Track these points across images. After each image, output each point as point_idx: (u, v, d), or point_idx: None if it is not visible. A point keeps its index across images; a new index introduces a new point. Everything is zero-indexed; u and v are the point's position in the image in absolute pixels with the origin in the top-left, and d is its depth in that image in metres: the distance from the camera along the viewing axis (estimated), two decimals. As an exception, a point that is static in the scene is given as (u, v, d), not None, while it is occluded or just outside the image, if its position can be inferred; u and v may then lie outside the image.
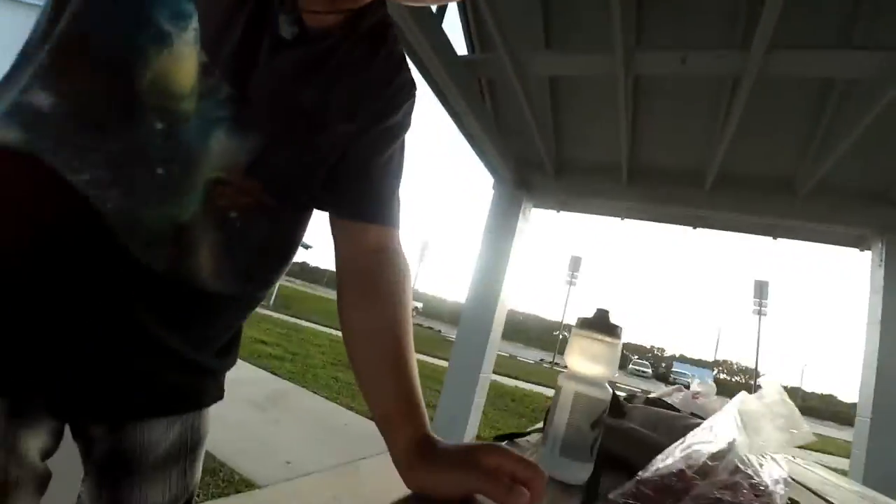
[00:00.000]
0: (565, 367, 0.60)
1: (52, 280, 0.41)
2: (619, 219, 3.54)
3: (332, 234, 0.56)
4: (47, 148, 0.40)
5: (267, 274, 0.55)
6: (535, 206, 3.45)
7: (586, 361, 0.57)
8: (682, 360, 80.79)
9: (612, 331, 0.58)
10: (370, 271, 0.54)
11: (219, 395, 0.59)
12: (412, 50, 1.99)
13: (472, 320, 3.18)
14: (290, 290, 30.72)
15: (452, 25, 3.23)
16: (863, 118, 1.96)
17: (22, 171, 0.40)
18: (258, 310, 0.77)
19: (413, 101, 0.61)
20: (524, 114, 2.66)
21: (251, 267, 0.52)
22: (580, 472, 0.55)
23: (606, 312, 0.59)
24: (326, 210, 0.58)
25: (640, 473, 0.51)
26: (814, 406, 55.29)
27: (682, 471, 0.48)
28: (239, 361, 0.61)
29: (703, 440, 0.56)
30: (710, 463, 0.52)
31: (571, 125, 2.94)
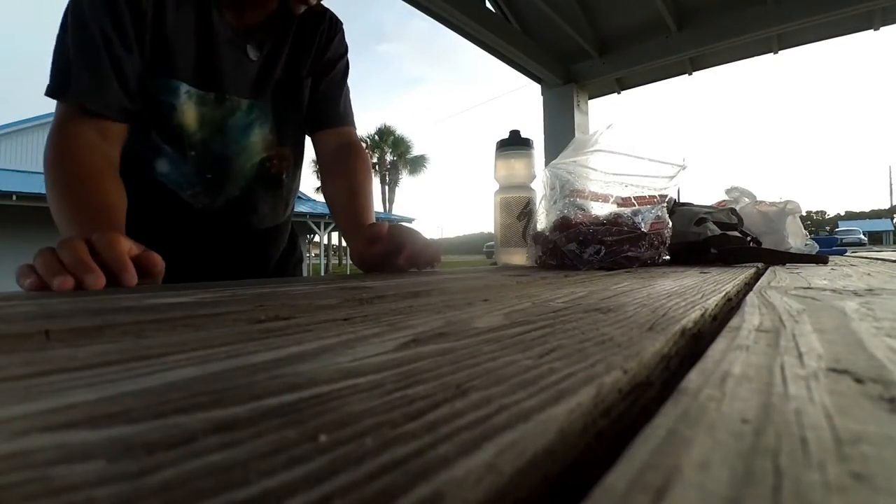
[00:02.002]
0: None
1: (190, 238, 0.73)
2: (686, 75, 3.30)
3: (312, 141, 0.84)
4: (169, 180, 0.70)
5: (292, 201, 0.87)
6: (591, 96, 3.40)
7: (507, 173, 0.81)
8: (851, 217, 68.04)
9: (524, 143, 0.81)
10: (338, 160, 0.81)
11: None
12: (424, 7, 2.19)
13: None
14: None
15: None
16: None
17: (165, 189, 0.71)
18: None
19: (341, 31, 0.83)
20: (543, 7, 2.66)
21: (289, 201, 0.85)
22: (516, 255, 0.80)
23: (517, 132, 0.82)
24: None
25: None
26: None
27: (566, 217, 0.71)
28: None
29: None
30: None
31: (597, -2, 2.84)
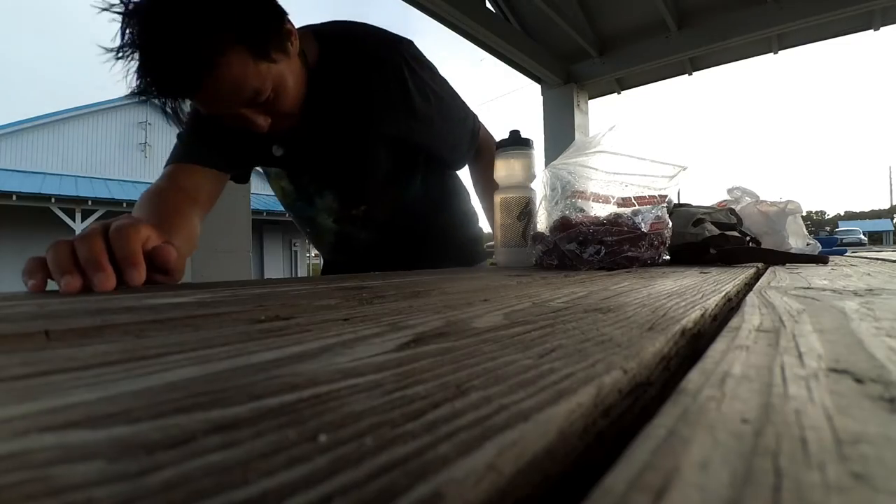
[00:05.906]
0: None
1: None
2: (686, 75, 3.30)
3: None
4: (324, 251, 1.00)
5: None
6: (591, 96, 3.40)
7: (507, 172, 0.81)
8: (851, 217, 68.45)
9: (525, 143, 0.81)
10: (477, 174, 1.00)
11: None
12: (424, 6, 2.19)
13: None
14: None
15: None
16: None
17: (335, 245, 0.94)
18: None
19: (407, 72, 0.72)
20: (543, 7, 2.66)
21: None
22: (518, 255, 0.80)
23: (518, 132, 0.82)
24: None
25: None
26: None
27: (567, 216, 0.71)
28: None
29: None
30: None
31: (598, -2, 2.84)
